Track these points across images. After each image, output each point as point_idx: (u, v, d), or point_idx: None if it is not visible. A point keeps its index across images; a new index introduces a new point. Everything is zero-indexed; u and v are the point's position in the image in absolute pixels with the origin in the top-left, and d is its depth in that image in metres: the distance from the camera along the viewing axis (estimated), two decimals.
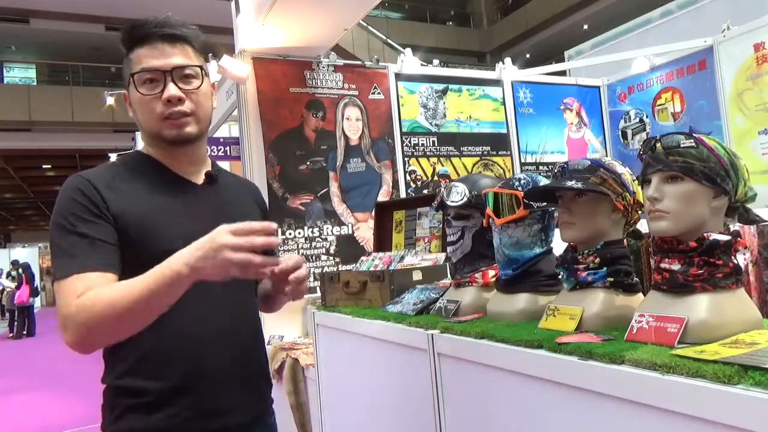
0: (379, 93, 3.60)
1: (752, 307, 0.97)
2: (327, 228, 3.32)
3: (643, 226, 1.12)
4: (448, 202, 1.49)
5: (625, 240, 1.21)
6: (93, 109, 12.14)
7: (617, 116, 4.47)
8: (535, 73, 4.42)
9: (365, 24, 9.34)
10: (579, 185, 1.11)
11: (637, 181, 1.12)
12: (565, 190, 1.16)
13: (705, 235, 0.95)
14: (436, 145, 3.80)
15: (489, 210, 1.36)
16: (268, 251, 0.99)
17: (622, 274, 1.15)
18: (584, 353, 0.96)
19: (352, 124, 3.48)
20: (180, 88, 1.16)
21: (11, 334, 13.01)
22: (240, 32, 3.32)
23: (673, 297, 0.97)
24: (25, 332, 12.76)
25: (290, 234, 3.21)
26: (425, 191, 3.65)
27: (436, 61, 5.01)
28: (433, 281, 1.82)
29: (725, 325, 0.92)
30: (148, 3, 7.95)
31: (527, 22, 17.46)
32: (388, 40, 9.28)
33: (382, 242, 2.40)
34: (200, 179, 1.26)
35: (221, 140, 3.89)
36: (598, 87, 4.57)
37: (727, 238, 0.95)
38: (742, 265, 0.96)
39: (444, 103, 3.87)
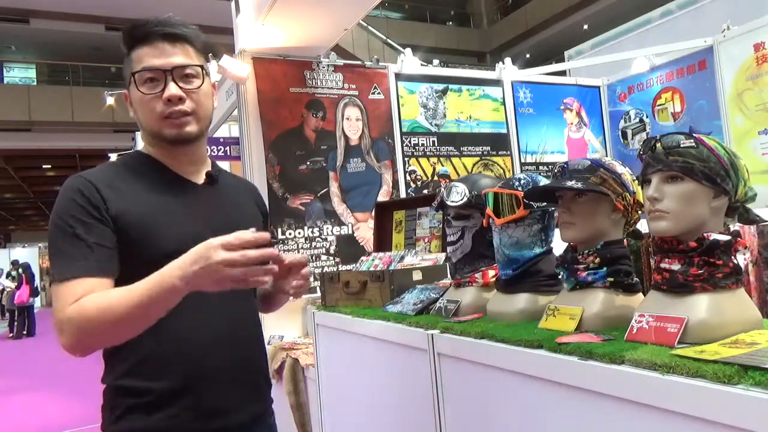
0: (379, 93, 3.60)
1: (752, 307, 0.97)
2: (327, 228, 3.32)
3: (643, 226, 1.12)
4: (448, 202, 1.49)
5: (625, 240, 1.21)
6: (93, 109, 12.14)
7: (617, 116, 4.47)
8: (535, 73, 4.42)
9: (365, 24, 9.34)
10: (579, 185, 1.11)
11: (637, 181, 1.12)
12: (565, 190, 1.16)
13: (705, 235, 0.95)
14: (436, 145, 3.80)
15: (489, 210, 1.36)
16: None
17: (622, 274, 1.15)
18: (584, 353, 0.96)
19: (352, 124, 3.48)
20: (180, 88, 1.16)
21: (11, 334, 13.01)
22: (240, 32, 3.32)
23: (673, 297, 0.97)
24: (25, 332, 12.77)
25: (290, 234, 3.21)
26: (425, 191, 3.65)
27: (436, 61, 5.01)
28: (433, 281, 1.82)
29: (725, 325, 0.92)
30: (148, 3, 7.95)
31: (527, 22, 17.46)
32: (388, 40, 9.28)
33: (382, 242, 2.40)
34: (200, 179, 1.26)
35: (221, 140, 3.89)
36: (598, 87, 4.56)
37: (727, 238, 0.95)
38: (742, 265, 0.96)
39: (444, 103, 3.87)
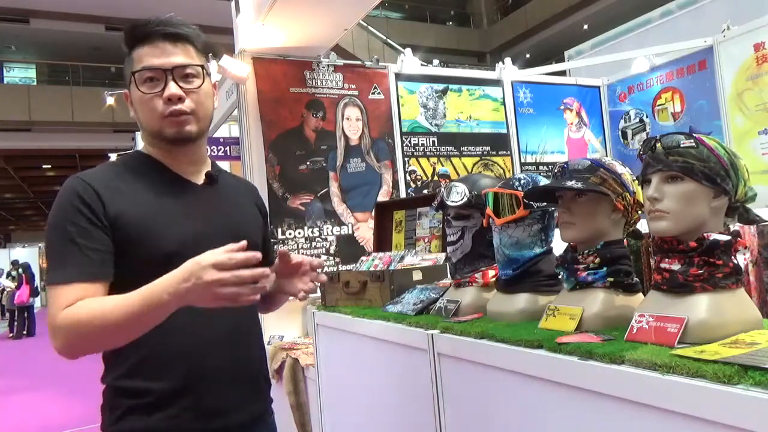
0: (379, 93, 3.60)
1: (752, 307, 0.97)
2: (327, 228, 3.32)
3: (643, 226, 1.12)
4: (448, 202, 1.49)
5: (625, 240, 1.21)
6: (93, 109, 12.14)
7: (617, 116, 4.47)
8: (535, 73, 4.42)
9: (365, 24, 9.34)
10: (579, 185, 1.11)
11: (637, 181, 1.12)
12: (565, 190, 1.16)
13: (705, 235, 0.95)
14: (436, 145, 3.80)
15: (489, 210, 1.36)
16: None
17: (622, 274, 1.15)
18: (584, 353, 0.96)
19: (352, 124, 3.48)
20: (181, 87, 1.16)
21: (11, 334, 13.01)
22: (240, 32, 3.32)
23: (673, 297, 0.97)
24: (25, 332, 12.76)
25: (290, 234, 3.21)
26: (425, 191, 3.65)
27: (436, 61, 5.01)
28: (433, 281, 1.82)
29: (725, 325, 0.92)
30: (148, 3, 7.95)
31: (527, 22, 17.46)
32: (388, 40, 9.28)
33: (382, 242, 2.40)
34: (200, 179, 1.26)
35: (221, 140, 3.88)
36: (598, 87, 4.56)
37: (727, 238, 0.95)
38: (742, 265, 0.96)
39: (444, 103, 3.87)
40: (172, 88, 1.15)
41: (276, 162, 3.21)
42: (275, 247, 3.02)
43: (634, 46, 4.61)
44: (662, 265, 0.99)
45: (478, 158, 3.94)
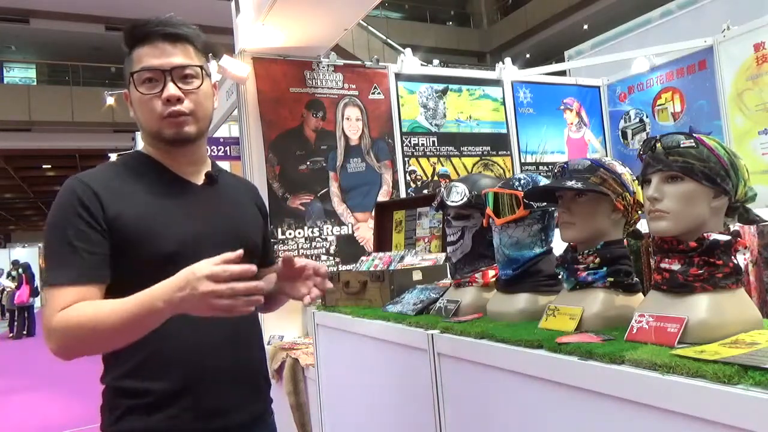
0: (379, 93, 3.60)
1: (752, 307, 0.97)
2: (327, 228, 3.32)
3: (643, 226, 1.12)
4: (448, 202, 1.49)
5: (625, 240, 1.21)
6: (93, 109, 12.14)
7: (617, 116, 4.47)
8: (535, 73, 4.42)
9: (365, 24, 9.33)
10: (579, 185, 1.11)
11: (637, 181, 1.12)
12: (565, 190, 1.16)
13: (705, 235, 0.95)
14: (436, 145, 3.80)
15: (489, 210, 1.36)
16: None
17: (622, 274, 1.15)
18: (584, 353, 0.96)
19: (352, 124, 3.48)
20: (180, 88, 1.16)
21: (11, 334, 13.01)
22: (240, 32, 3.32)
23: (673, 297, 0.97)
24: (25, 332, 12.76)
25: (290, 234, 3.21)
26: (425, 191, 3.65)
27: (436, 61, 5.01)
28: (433, 281, 1.82)
29: (725, 325, 0.92)
30: (148, 3, 7.95)
31: (527, 22, 17.46)
32: (388, 40, 9.28)
33: (382, 242, 2.40)
34: (200, 180, 1.26)
35: (221, 140, 3.89)
36: (598, 87, 4.56)
37: (727, 238, 0.95)
38: (742, 265, 0.96)
39: (444, 103, 3.87)
40: (171, 89, 1.15)
41: (276, 162, 3.21)
42: (275, 247, 3.02)
43: (634, 46, 4.61)
44: (662, 265, 0.99)
45: (478, 158, 3.95)
